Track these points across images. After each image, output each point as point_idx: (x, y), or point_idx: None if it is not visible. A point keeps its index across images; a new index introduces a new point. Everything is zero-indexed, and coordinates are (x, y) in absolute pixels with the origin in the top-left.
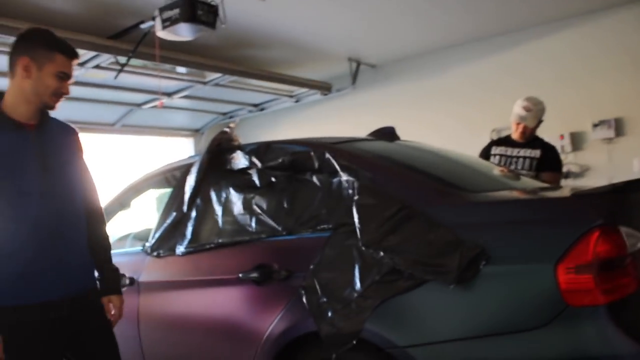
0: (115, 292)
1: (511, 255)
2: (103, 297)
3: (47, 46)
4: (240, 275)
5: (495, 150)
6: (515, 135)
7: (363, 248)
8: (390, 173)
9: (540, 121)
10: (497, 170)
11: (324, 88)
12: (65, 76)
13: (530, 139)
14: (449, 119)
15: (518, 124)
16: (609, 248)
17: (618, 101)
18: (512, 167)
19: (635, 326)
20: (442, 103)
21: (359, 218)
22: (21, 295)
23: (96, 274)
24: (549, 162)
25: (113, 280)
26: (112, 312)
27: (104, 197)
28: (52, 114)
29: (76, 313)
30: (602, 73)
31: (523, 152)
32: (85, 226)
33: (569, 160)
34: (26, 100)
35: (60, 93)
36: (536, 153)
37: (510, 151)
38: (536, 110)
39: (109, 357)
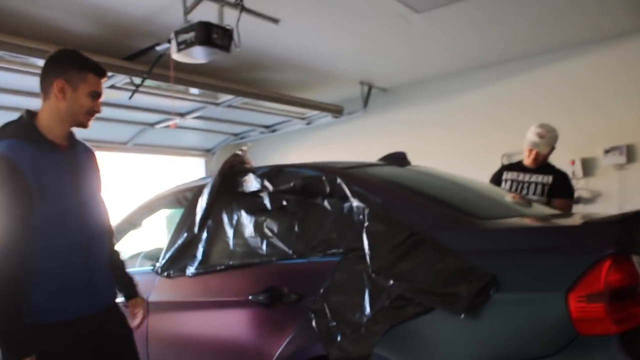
0: (138, 295)
1: (522, 283)
2: (129, 302)
3: (79, 67)
4: (250, 297)
5: (506, 175)
6: (528, 162)
7: (373, 275)
8: (401, 199)
9: (552, 148)
10: (508, 197)
11: (336, 111)
12: (97, 95)
13: (542, 165)
14: (460, 144)
15: (531, 150)
16: (621, 277)
17: (630, 127)
18: (524, 192)
19: None
20: (453, 128)
21: (369, 245)
22: (58, 311)
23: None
24: (560, 188)
25: (133, 286)
26: (137, 313)
27: (116, 215)
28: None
29: (102, 326)
30: (615, 99)
31: (535, 178)
32: (107, 243)
33: (580, 186)
34: (61, 120)
35: (93, 112)
36: (548, 179)
37: (522, 177)
38: (549, 137)
39: None
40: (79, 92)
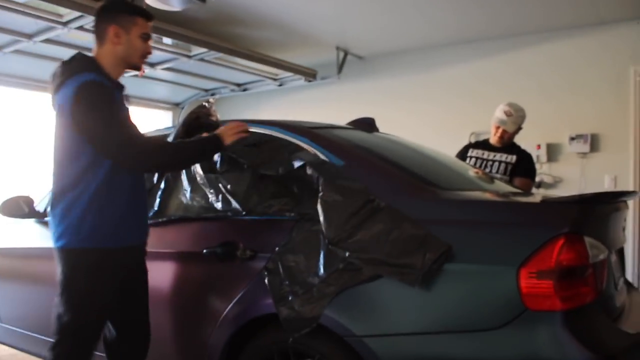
0: None
1: (476, 254)
2: None
3: (129, 12)
4: (205, 251)
5: (472, 152)
6: (494, 140)
7: (329, 246)
8: (364, 162)
9: (519, 128)
10: (471, 171)
11: (309, 74)
12: (148, 37)
13: (508, 145)
14: (432, 118)
15: (497, 127)
16: (572, 256)
17: (596, 117)
18: (487, 170)
19: (589, 335)
20: (425, 101)
21: (324, 215)
22: (121, 239)
23: None
24: (523, 168)
25: None
26: None
27: None
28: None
29: (136, 258)
30: (584, 88)
31: (499, 157)
32: None
33: (543, 171)
34: (118, 63)
35: (146, 54)
36: (512, 158)
37: (486, 154)
38: (516, 116)
39: (145, 302)
40: (132, 35)
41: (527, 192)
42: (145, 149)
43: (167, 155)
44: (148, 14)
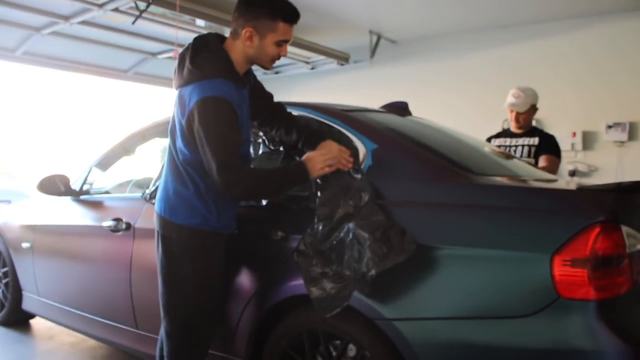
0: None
1: (509, 241)
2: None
3: (271, 15)
4: (236, 231)
5: (494, 142)
6: (512, 126)
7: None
8: (398, 146)
9: (534, 108)
10: (505, 158)
11: (342, 58)
12: (285, 42)
13: (528, 129)
14: (464, 103)
15: (511, 111)
16: (608, 245)
17: (635, 105)
18: None
19: (622, 325)
20: (459, 86)
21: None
22: (227, 227)
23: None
24: (546, 147)
25: None
26: None
27: (110, 141)
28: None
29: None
30: (622, 75)
31: (521, 141)
32: None
33: (578, 159)
34: (247, 62)
35: (278, 58)
36: (534, 141)
37: (508, 141)
38: (525, 96)
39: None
40: (266, 41)
41: (563, 180)
42: (231, 181)
43: (250, 189)
44: (293, 16)
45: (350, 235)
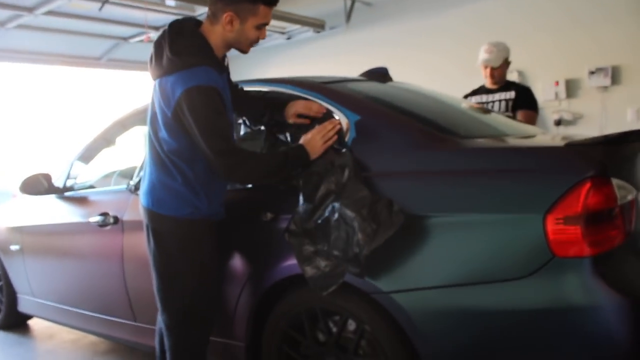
0: None
1: (500, 203)
2: None
3: (241, 1)
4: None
5: (471, 100)
6: (487, 82)
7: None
8: (381, 116)
9: (507, 62)
10: (490, 116)
11: (317, 25)
12: (264, 25)
13: (503, 84)
14: (445, 61)
15: (485, 67)
16: (600, 200)
17: (616, 49)
18: None
19: (619, 278)
20: (437, 45)
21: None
22: (218, 214)
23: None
24: (523, 101)
25: None
26: None
27: (90, 133)
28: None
29: None
30: (601, 19)
31: (498, 96)
32: None
33: (563, 108)
34: (226, 46)
35: (257, 41)
36: (511, 94)
37: (485, 98)
38: (498, 50)
39: None
40: (247, 25)
41: (548, 133)
42: (233, 164)
43: (250, 171)
44: None
45: (336, 215)
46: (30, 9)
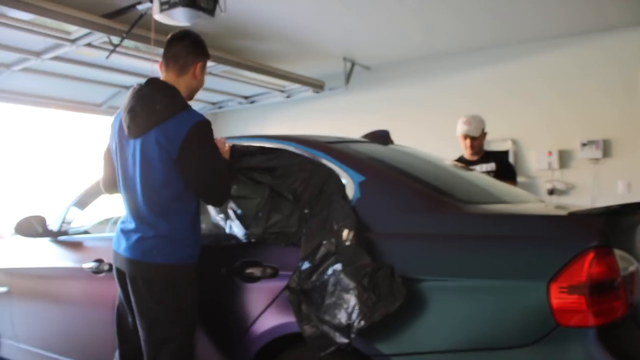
0: None
1: (504, 270)
2: None
3: (206, 52)
4: (224, 270)
5: None
6: (467, 153)
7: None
8: (385, 178)
9: (484, 132)
10: (491, 184)
11: (317, 85)
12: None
13: (482, 154)
14: (438, 126)
15: (465, 137)
16: (603, 270)
17: (608, 122)
18: None
19: (622, 349)
20: (433, 110)
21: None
22: (197, 257)
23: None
24: (504, 172)
25: None
26: None
27: (88, 179)
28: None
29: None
30: (595, 93)
31: (479, 168)
32: None
33: (556, 177)
34: (188, 95)
35: None
36: (491, 166)
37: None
38: (476, 122)
39: None
40: (204, 73)
41: (547, 202)
42: (226, 194)
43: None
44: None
45: (335, 280)
46: (37, 54)
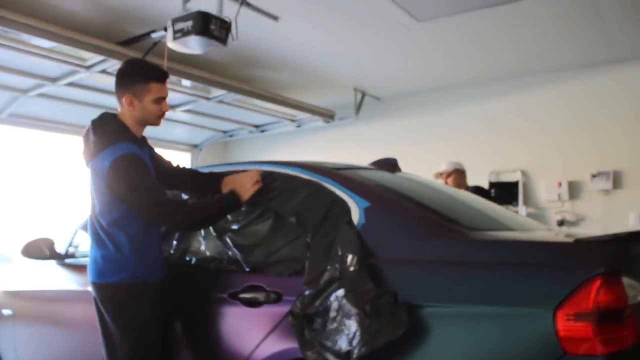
0: None
1: (509, 296)
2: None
3: (143, 79)
4: (228, 295)
5: None
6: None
7: None
8: (391, 204)
9: (463, 171)
10: (497, 212)
11: (327, 115)
12: (162, 99)
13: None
14: (448, 157)
15: (448, 176)
16: (610, 298)
17: (618, 154)
18: None
19: None
20: (443, 141)
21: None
22: (154, 275)
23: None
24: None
25: None
26: None
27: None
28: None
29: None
30: (605, 125)
31: None
32: None
33: (565, 209)
34: (137, 124)
35: (162, 113)
36: None
37: None
38: (451, 163)
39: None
40: (145, 102)
41: (553, 231)
42: (168, 211)
43: (188, 215)
44: (162, 75)
45: (337, 305)
46: (53, 80)
